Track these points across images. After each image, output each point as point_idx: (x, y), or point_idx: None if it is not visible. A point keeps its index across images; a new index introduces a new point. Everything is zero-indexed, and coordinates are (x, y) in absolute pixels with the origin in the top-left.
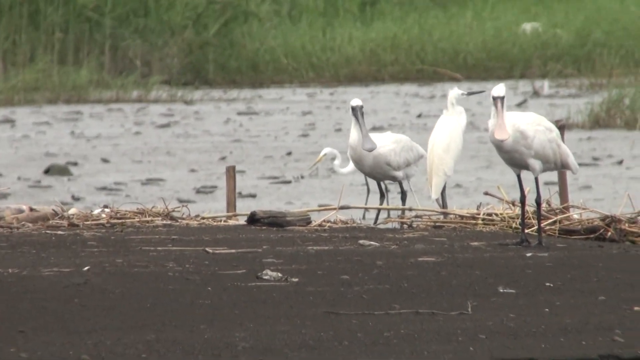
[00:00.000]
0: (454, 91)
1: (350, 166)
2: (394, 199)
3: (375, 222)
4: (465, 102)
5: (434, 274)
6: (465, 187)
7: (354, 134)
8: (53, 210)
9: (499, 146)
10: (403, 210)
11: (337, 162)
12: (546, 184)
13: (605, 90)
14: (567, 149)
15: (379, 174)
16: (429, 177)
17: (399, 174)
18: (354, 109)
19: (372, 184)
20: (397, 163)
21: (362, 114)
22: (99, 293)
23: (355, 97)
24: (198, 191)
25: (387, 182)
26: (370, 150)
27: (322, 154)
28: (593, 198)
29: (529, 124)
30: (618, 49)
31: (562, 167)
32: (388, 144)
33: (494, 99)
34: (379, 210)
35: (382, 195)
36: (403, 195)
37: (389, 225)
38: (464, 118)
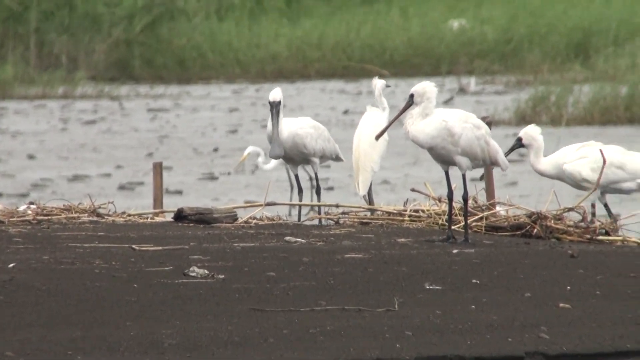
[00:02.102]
0: (380, 81)
1: (274, 163)
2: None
3: (299, 219)
4: (392, 99)
5: (360, 271)
6: (392, 183)
7: (268, 127)
8: None
9: (417, 142)
10: (317, 207)
11: (260, 159)
12: (472, 180)
13: (532, 87)
14: (497, 145)
15: (297, 156)
16: (355, 173)
17: (315, 159)
18: (270, 104)
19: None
20: (313, 148)
21: (278, 111)
22: (24, 290)
23: (283, 98)
24: (124, 188)
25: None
26: (275, 158)
27: (246, 152)
28: (519, 194)
29: (457, 120)
30: (543, 45)
31: (491, 164)
32: (306, 127)
33: (270, 104)
34: (300, 207)
35: (301, 190)
36: (318, 189)
37: (316, 222)
38: (387, 113)
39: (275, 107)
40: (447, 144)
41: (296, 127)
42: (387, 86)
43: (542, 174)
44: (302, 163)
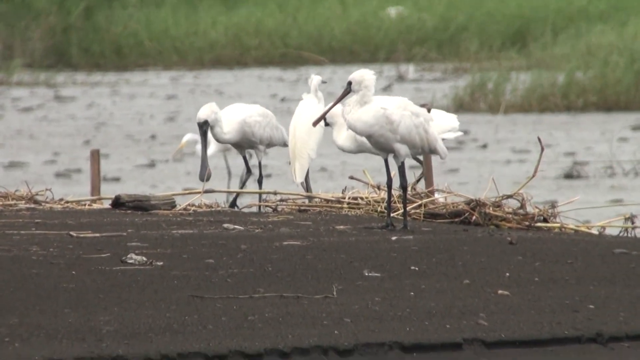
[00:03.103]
0: (317, 77)
1: (212, 150)
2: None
3: (232, 205)
4: (330, 86)
5: (299, 258)
6: (330, 170)
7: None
8: None
9: (355, 130)
10: (258, 194)
11: (198, 146)
12: (411, 168)
13: (470, 75)
14: (436, 133)
15: (244, 142)
16: (292, 160)
17: (261, 147)
18: (199, 125)
19: (234, 167)
20: (261, 136)
21: (204, 132)
22: None
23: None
24: (62, 175)
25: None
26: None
27: (184, 140)
28: (458, 182)
29: (395, 108)
30: (481, 33)
31: (430, 152)
32: (255, 115)
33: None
34: (237, 194)
35: (249, 171)
36: (260, 177)
37: (254, 209)
38: (322, 105)
39: (201, 127)
40: (386, 131)
41: (245, 114)
42: (323, 82)
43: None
44: (249, 148)
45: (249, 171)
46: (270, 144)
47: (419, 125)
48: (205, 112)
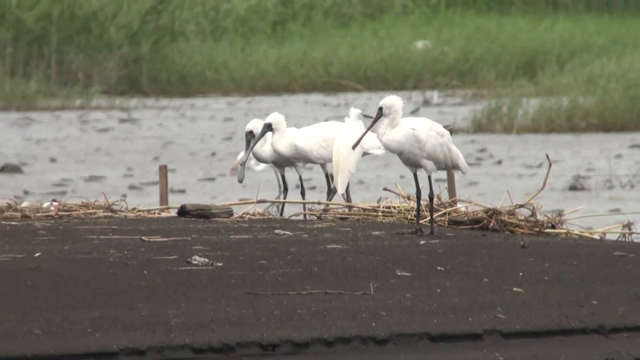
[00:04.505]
0: (356, 110)
1: (263, 165)
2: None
3: (281, 214)
4: (366, 108)
5: (340, 259)
6: (367, 183)
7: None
8: (7, 203)
9: (390, 149)
10: (303, 204)
11: (252, 162)
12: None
13: (486, 100)
14: (458, 151)
15: (290, 161)
16: (335, 174)
17: (300, 164)
18: (245, 134)
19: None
20: (322, 156)
21: (249, 140)
22: (48, 276)
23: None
24: (134, 187)
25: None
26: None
27: (238, 157)
28: (477, 193)
29: (423, 129)
30: (496, 64)
31: (453, 168)
32: (312, 142)
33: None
34: (283, 204)
35: (286, 189)
36: (302, 190)
37: (301, 217)
38: (362, 125)
39: (246, 136)
40: (415, 149)
41: (300, 139)
42: (364, 115)
43: (280, 152)
44: (289, 166)
45: (286, 189)
46: (325, 162)
47: (443, 144)
48: (253, 124)
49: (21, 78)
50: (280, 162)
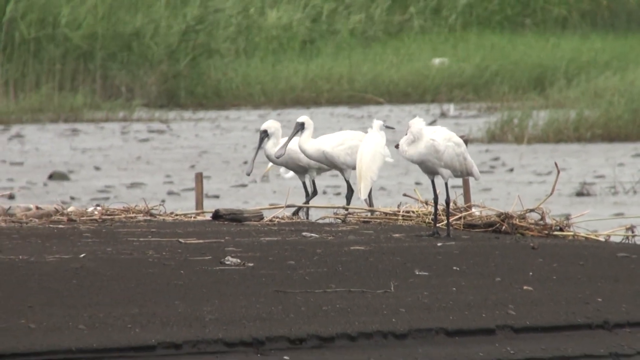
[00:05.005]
0: (378, 122)
1: (292, 173)
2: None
3: (307, 217)
4: (387, 119)
5: (363, 260)
6: (388, 189)
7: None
8: (55, 208)
9: (412, 161)
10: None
11: (282, 169)
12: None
13: (499, 112)
14: (472, 160)
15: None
16: (358, 181)
17: (313, 171)
18: (260, 132)
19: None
20: (346, 162)
21: (262, 138)
22: (92, 275)
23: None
24: (172, 193)
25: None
26: (277, 157)
27: (269, 165)
28: (491, 198)
29: (442, 139)
30: (509, 79)
31: (467, 175)
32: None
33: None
34: (308, 208)
35: (308, 194)
36: (314, 193)
37: (327, 221)
38: (384, 135)
39: (260, 134)
40: (433, 158)
41: (329, 145)
42: (385, 126)
43: (308, 156)
44: (304, 173)
45: (308, 194)
46: (348, 168)
47: (460, 154)
48: (267, 124)
49: (69, 92)
50: (292, 166)
